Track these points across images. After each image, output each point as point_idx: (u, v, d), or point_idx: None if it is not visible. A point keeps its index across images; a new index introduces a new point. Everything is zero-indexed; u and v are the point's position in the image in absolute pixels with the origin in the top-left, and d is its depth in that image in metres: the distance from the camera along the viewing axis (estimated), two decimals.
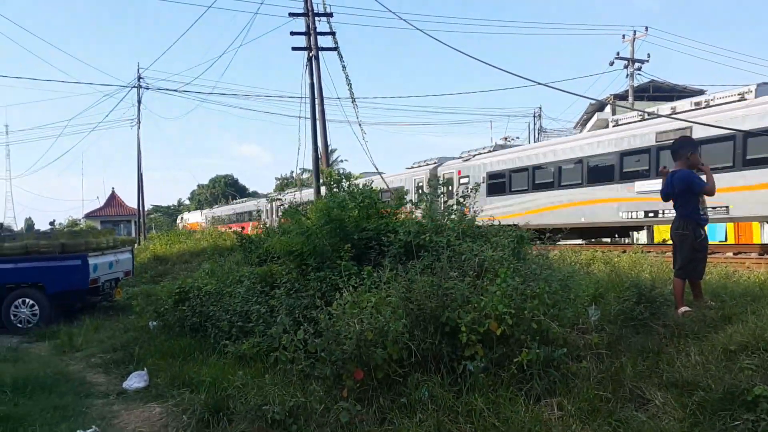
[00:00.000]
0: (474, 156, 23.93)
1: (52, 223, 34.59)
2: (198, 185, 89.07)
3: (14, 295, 10.78)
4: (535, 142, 30.67)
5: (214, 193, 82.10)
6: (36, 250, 11.05)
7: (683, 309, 5.61)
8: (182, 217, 66.81)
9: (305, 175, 40.49)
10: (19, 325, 10.65)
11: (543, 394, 4.45)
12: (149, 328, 8.79)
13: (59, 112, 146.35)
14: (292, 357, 5.18)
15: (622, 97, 30.52)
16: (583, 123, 37.30)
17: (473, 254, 5.88)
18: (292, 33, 19.70)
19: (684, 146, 6.09)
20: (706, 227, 6.03)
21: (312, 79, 19.30)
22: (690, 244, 5.88)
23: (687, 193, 5.84)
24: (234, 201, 56.38)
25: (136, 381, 6.41)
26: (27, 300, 10.79)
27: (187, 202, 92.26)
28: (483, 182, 21.87)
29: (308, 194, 26.49)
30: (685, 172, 5.90)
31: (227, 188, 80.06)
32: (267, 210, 43.69)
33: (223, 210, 53.80)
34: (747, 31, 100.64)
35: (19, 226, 62.13)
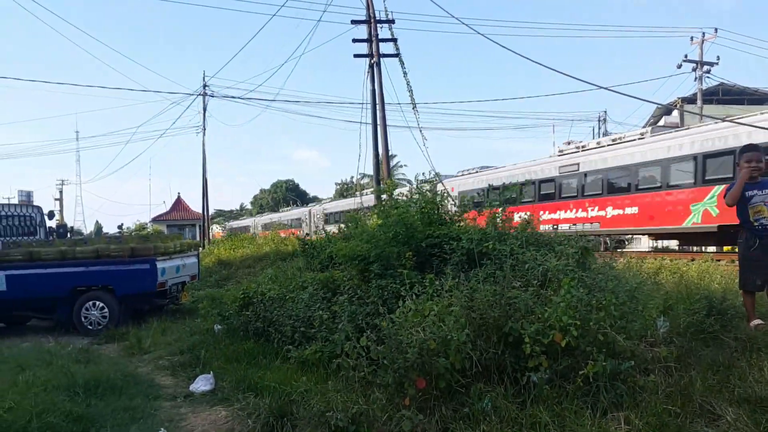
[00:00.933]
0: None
1: (120, 227, 36.30)
2: (260, 190, 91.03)
3: (85, 298, 11.26)
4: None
5: (276, 197, 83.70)
6: (106, 254, 11.52)
7: (756, 322, 5.39)
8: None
9: (365, 180, 40.77)
10: (90, 327, 11.11)
11: (609, 408, 4.35)
12: (214, 331, 8.99)
13: (128, 119, 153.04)
14: (355, 364, 5.25)
15: (691, 100, 29.47)
16: (650, 126, 36.16)
17: (537, 263, 5.81)
18: (354, 40, 19.94)
19: (739, 154, 5.91)
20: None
21: (373, 85, 19.48)
22: (741, 252, 5.79)
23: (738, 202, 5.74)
24: (284, 209, 57.44)
25: (202, 384, 6.58)
26: (97, 302, 11.23)
27: (249, 206, 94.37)
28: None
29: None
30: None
31: (288, 193, 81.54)
32: (306, 219, 44.32)
33: (262, 219, 55.14)
34: None
35: (88, 229, 65.05)
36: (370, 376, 5.17)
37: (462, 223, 8.24)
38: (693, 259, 11.76)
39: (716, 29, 28.79)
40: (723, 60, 29.27)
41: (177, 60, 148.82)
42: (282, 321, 7.61)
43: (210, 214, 52.11)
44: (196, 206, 50.88)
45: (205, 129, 37.66)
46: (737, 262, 6.08)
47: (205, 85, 36.16)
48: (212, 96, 35.98)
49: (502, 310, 5.05)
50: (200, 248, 20.36)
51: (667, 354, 4.86)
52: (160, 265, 11.49)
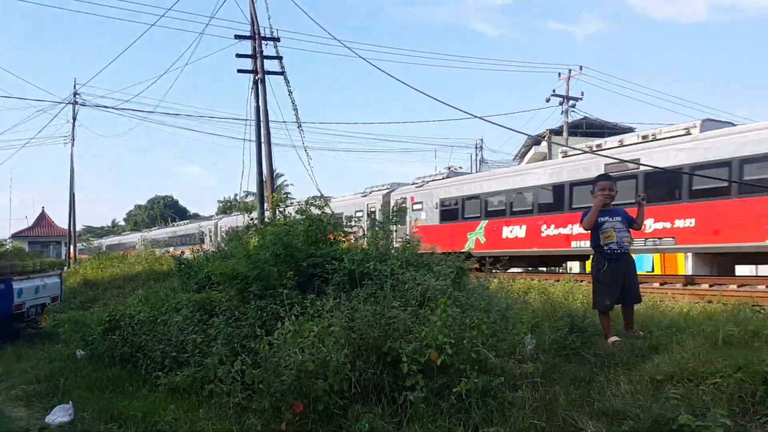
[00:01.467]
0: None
1: None
2: (135, 206, 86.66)
3: None
4: (477, 172, 31.43)
5: (152, 214, 79.95)
6: None
7: (613, 339, 5.81)
8: None
9: (249, 198, 39.90)
10: None
11: (480, 424, 4.49)
12: (76, 357, 8.47)
13: None
14: (229, 389, 5.07)
15: (558, 132, 31.78)
16: (521, 155, 38.53)
17: (416, 283, 5.94)
18: (238, 55, 19.61)
19: (594, 183, 6.43)
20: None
21: (258, 102, 19.21)
22: (593, 275, 6.24)
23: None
24: (174, 223, 54.89)
25: (60, 415, 6.09)
26: None
27: (123, 223, 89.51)
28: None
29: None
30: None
31: (167, 209, 78.14)
32: (210, 233, 42.70)
33: (157, 233, 52.30)
34: (674, 73, 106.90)
35: None
36: (245, 402, 5.01)
37: (345, 243, 8.28)
38: (558, 280, 12.57)
39: (581, 67, 31.39)
40: (587, 95, 32.13)
41: (45, 65, 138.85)
42: (152, 345, 7.24)
43: (78, 230, 48.73)
44: (62, 222, 47.38)
45: (74, 139, 35.33)
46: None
47: (75, 93, 33.96)
48: (83, 105, 33.87)
49: (381, 330, 5.10)
50: (64, 267, 18.96)
51: (533, 370, 5.10)
52: (16, 285, 10.62)
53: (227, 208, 58.86)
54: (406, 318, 5.14)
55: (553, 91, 31.08)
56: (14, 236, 48.06)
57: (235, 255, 7.99)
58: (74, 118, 34.99)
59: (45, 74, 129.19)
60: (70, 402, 6.34)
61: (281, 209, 9.20)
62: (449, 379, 4.80)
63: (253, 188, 21.32)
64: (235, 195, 62.67)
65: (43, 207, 64.97)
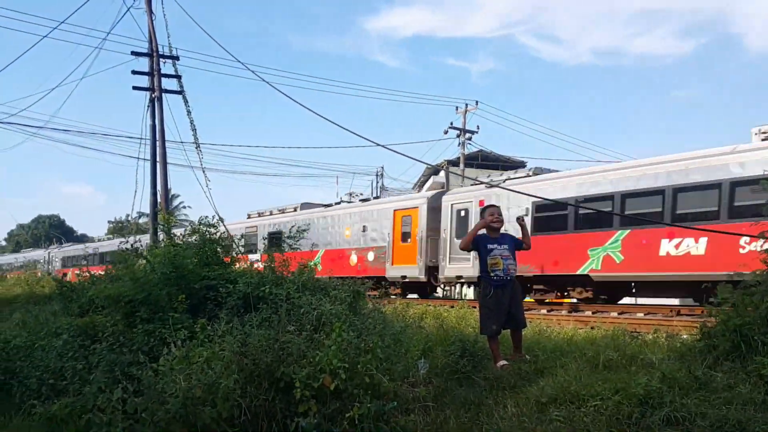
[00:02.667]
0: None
1: None
2: (18, 225, 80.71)
3: None
4: (377, 198, 31.95)
5: (36, 234, 74.72)
6: None
7: (501, 363, 6.02)
8: None
9: (142, 219, 38.20)
10: None
11: None
12: None
13: None
14: (109, 419, 4.78)
15: (455, 163, 32.95)
16: (420, 184, 39.51)
17: (312, 308, 5.91)
18: (134, 72, 18.98)
19: (481, 212, 6.76)
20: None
21: (153, 120, 18.61)
22: (480, 300, 6.49)
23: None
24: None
25: None
26: None
27: (4, 243, 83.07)
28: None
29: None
30: None
31: (52, 230, 73.23)
32: (45, 259, 40.50)
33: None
34: (563, 111, 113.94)
35: None
36: None
37: (240, 265, 8.11)
38: (453, 306, 12.89)
39: (477, 102, 32.80)
40: (482, 129, 33.48)
41: None
42: (28, 372, 6.73)
43: None
44: None
45: None
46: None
47: None
48: None
49: (275, 355, 5.00)
50: None
51: (426, 394, 5.20)
52: None
53: (118, 228, 55.97)
54: (300, 342, 5.09)
55: (451, 123, 32.27)
56: None
57: (122, 277, 7.60)
58: None
59: None
60: None
61: (174, 231, 8.87)
62: (342, 404, 4.77)
63: (147, 209, 20.47)
64: (128, 215, 59.78)
65: None
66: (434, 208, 19.82)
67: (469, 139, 32.31)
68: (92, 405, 4.86)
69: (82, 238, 62.93)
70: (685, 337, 7.27)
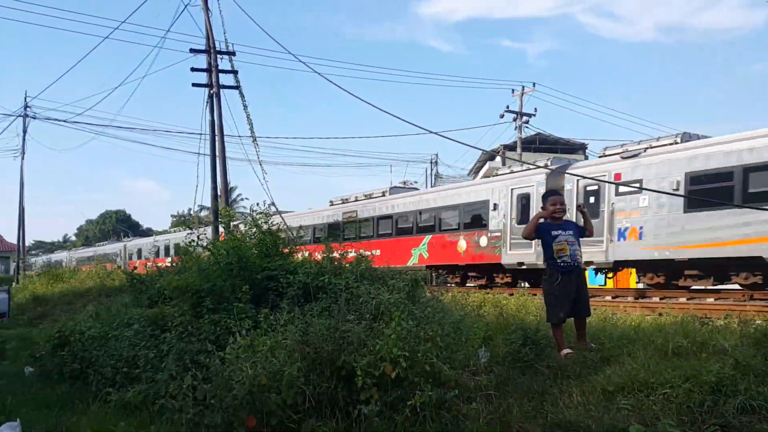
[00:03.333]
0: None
1: None
2: (87, 220, 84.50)
3: None
4: (432, 186, 31.81)
5: (104, 229, 78.01)
6: None
7: (565, 351, 5.92)
8: None
9: (203, 213, 39.34)
10: None
11: None
12: (24, 374, 8.21)
13: None
14: (180, 405, 4.97)
15: (512, 147, 32.36)
16: (476, 170, 39.09)
17: (370, 297, 5.95)
18: (193, 69, 19.43)
19: (544, 198, 6.62)
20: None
21: (212, 116, 19.06)
22: (546, 287, 6.38)
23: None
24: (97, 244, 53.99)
25: None
26: None
27: (74, 238, 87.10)
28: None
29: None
30: None
31: (119, 224, 76.30)
32: (120, 253, 42.16)
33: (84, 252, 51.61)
34: (624, 91, 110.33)
35: None
36: (197, 418, 4.90)
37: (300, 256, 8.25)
38: (512, 294, 12.74)
39: (534, 84, 32.00)
40: (540, 111, 32.63)
41: None
42: (103, 361, 7.07)
43: (29, 245, 47.17)
44: (11, 237, 45.73)
45: (24, 153, 34.32)
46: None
47: (26, 106, 33.03)
48: (34, 118, 32.97)
49: (336, 344, 5.08)
50: (12, 283, 18.33)
51: (487, 382, 5.16)
52: None
53: (180, 222, 57.84)
54: (360, 332, 5.14)
55: (507, 107, 31.58)
56: None
57: (189, 269, 7.86)
58: (24, 132, 34.08)
59: None
60: (18, 420, 6.12)
61: (235, 225, 9.11)
62: (404, 393, 4.80)
63: (208, 202, 21.04)
64: (189, 209, 61.69)
65: None
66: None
67: (527, 122, 31.59)
68: (164, 392, 5.06)
69: (148, 232, 65.23)
70: (759, 322, 6.97)
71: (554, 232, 6.22)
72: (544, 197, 6.62)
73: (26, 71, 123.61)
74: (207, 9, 19.15)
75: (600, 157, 16.94)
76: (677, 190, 13.74)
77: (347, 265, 7.32)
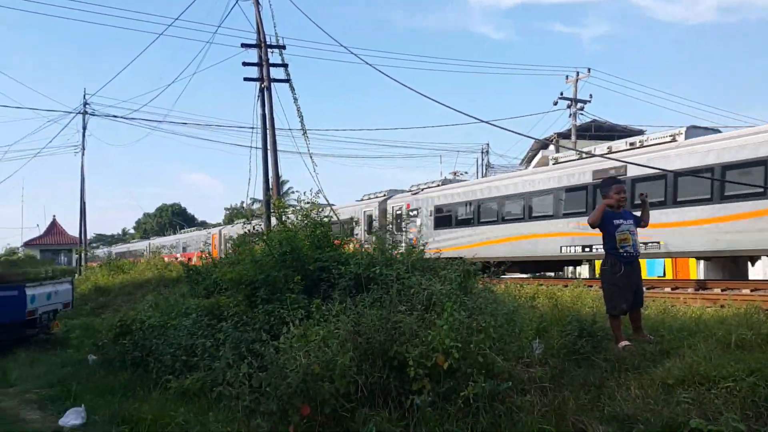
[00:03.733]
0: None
1: None
2: (144, 214, 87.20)
3: None
4: (483, 177, 31.35)
5: (161, 222, 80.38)
6: None
7: (623, 343, 5.78)
8: None
9: (256, 206, 40.08)
10: None
11: (488, 428, 4.47)
12: (88, 362, 8.54)
13: (0, 138, 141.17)
14: (237, 392, 5.08)
15: (565, 135, 31.57)
16: (528, 160, 38.38)
17: (422, 288, 5.93)
18: (245, 63, 19.75)
19: (602, 186, 6.43)
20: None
21: (264, 110, 19.33)
22: (607, 278, 6.18)
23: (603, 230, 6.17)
24: (181, 231, 55.38)
25: (72, 418, 6.15)
26: None
27: (133, 230, 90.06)
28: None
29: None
30: None
31: (175, 217, 78.45)
32: (204, 242, 43.10)
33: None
34: (683, 75, 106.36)
35: None
36: (253, 405, 5.01)
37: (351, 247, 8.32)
38: (566, 285, 12.49)
39: (589, 69, 31.03)
40: (595, 98, 31.52)
41: (56, 76, 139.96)
42: (162, 350, 7.30)
43: (89, 238, 49.08)
44: (73, 230, 47.73)
45: (84, 149, 35.64)
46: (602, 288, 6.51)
47: (85, 103, 34.26)
48: (93, 114, 34.13)
49: (387, 334, 5.10)
50: (75, 274, 19.12)
51: (542, 374, 5.09)
52: (29, 292, 10.70)
53: (233, 215, 59.06)
54: (412, 322, 5.14)
55: (561, 93, 30.74)
56: (26, 244, 48.50)
57: (243, 260, 8.02)
58: (84, 128, 35.33)
59: (55, 84, 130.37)
60: (83, 405, 6.40)
61: (286, 216, 9.25)
62: (456, 384, 4.78)
63: (260, 195, 21.40)
64: (242, 202, 62.91)
65: (54, 215, 65.54)
66: None
67: (581, 109, 30.70)
68: (221, 379, 5.19)
69: (203, 225, 66.88)
70: None
71: (616, 221, 6.06)
72: (606, 185, 6.42)
73: (84, 69, 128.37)
74: (257, 3, 19.42)
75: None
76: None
77: (398, 256, 7.32)
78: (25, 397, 7.50)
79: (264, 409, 4.86)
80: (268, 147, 19.34)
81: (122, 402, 6.43)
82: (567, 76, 31.12)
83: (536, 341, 5.90)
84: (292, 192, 56.28)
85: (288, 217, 9.08)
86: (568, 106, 30.79)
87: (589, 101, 30.89)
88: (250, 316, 6.93)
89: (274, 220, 13.77)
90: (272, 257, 7.31)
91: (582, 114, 30.93)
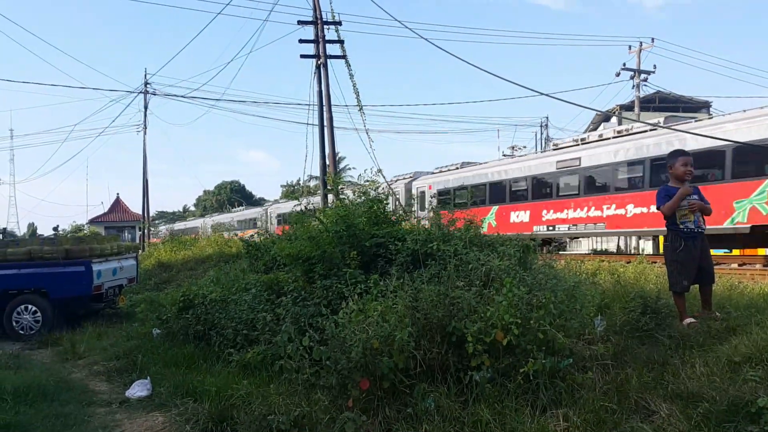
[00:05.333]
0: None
1: (55, 229, 34.74)
2: (204, 191, 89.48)
3: (17, 302, 10.78)
4: (542, 151, 30.77)
5: (220, 199, 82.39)
6: (39, 255, 11.05)
7: (688, 320, 5.60)
8: None
9: (312, 183, 40.52)
10: (21, 332, 10.65)
11: (549, 405, 4.43)
12: (152, 335, 8.80)
13: (65, 117, 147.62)
14: (297, 366, 5.19)
15: (629, 107, 30.59)
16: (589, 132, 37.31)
17: (480, 263, 5.88)
18: (301, 41, 19.87)
19: (668, 158, 6.13)
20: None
21: (320, 86, 19.43)
22: (668, 255, 5.96)
23: None
24: (235, 209, 56.58)
25: (138, 389, 6.39)
26: (30, 306, 10.78)
27: (193, 208, 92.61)
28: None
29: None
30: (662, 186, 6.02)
31: (233, 194, 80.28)
32: (262, 218, 43.87)
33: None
34: (753, 44, 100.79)
35: (22, 230, 62.31)
36: (313, 378, 5.12)
37: (406, 224, 8.28)
38: (629, 261, 12.16)
39: (653, 39, 29.95)
40: (659, 68, 30.53)
41: (117, 57, 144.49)
42: (224, 324, 7.46)
43: (152, 215, 50.82)
44: (136, 207, 49.51)
45: (146, 128, 36.73)
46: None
47: (146, 83, 35.23)
48: (154, 94, 35.15)
49: (445, 310, 5.08)
50: (139, 250, 19.79)
51: (604, 351, 4.99)
52: (96, 267, 11.12)
53: (290, 192, 59.94)
54: (470, 298, 5.10)
55: (624, 64, 29.83)
56: (91, 221, 50.72)
57: (300, 237, 8.11)
58: (146, 107, 36.38)
59: (117, 65, 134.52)
60: (148, 377, 6.63)
61: (342, 192, 9.29)
62: (516, 360, 4.74)
63: (316, 172, 21.57)
64: (298, 179, 63.69)
65: (117, 193, 68.11)
66: None
67: (645, 80, 29.67)
68: (283, 353, 5.29)
69: (261, 202, 68.13)
70: None
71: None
72: (673, 156, 6.09)
73: (145, 50, 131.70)
74: None
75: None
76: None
77: (456, 232, 7.25)
78: (93, 369, 7.78)
79: (324, 382, 4.96)
80: (325, 124, 19.46)
81: (186, 374, 6.59)
82: (630, 47, 30.11)
83: (598, 318, 5.78)
84: (349, 168, 56.80)
85: (345, 195, 9.11)
86: (631, 78, 29.83)
87: (653, 72, 29.90)
88: (308, 291, 7.02)
89: (330, 197, 13.87)
90: (328, 234, 7.36)
91: (645, 85, 29.95)
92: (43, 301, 10.80)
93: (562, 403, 4.43)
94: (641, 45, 29.74)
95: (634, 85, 29.86)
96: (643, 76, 29.67)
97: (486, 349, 4.75)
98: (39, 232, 60.34)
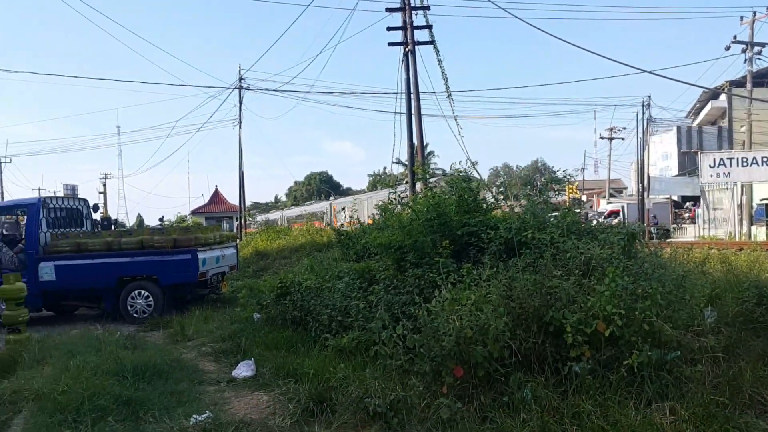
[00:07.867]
0: None
1: (161, 219, 36.79)
2: (294, 182, 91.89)
3: (131, 287, 11.54)
4: (643, 132, 29.13)
5: (310, 189, 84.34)
6: (150, 244, 11.76)
7: None
8: None
9: (396, 170, 40.64)
10: (135, 315, 11.38)
11: (654, 398, 4.25)
12: (253, 320, 9.13)
13: (168, 114, 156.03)
14: (392, 352, 5.25)
15: (740, 83, 28.37)
16: (695, 112, 35.06)
17: (579, 252, 5.69)
18: (389, 28, 19.72)
19: None
20: None
21: (408, 74, 19.27)
22: None
23: None
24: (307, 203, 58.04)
25: (244, 370, 6.68)
26: (142, 291, 11.51)
27: (284, 198, 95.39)
28: None
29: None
30: None
31: (322, 185, 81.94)
32: (327, 212, 44.64)
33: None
34: None
35: (131, 221, 66.51)
36: (407, 365, 5.15)
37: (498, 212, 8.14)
38: (741, 249, 11.37)
39: None
40: None
41: (214, 54, 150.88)
42: (319, 310, 7.66)
43: (246, 206, 52.90)
44: (232, 199, 51.66)
45: (241, 122, 38.00)
46: None
47: (240, 78, 36.43)
48: (248, 89, 36.18)
49: (542, 300, 4.97)
50: (238, 240, 20.62)
51: (714, 344, 4.73)
52: (201, 255, 11.68)
53: (377, 181, 60.49)
54: (569, 287, 4.96)
55: (734, 37, 27.50)
56: (193, 212, 53.43)
57: (390, 226, 8.16)
58: (240, 102, 37.52)
59: (212, 62, 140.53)
60: (252, 359, 6.92)
61: (430, 181, 9.23)
62: (618, 352, 4.58)
63: (403, 156, 21.54)
64: (384, 168, 64.10)
65: (216, 185, 71.29)
66: None
67: (759, 53, 27.35)
68: (377, 339, 5.36)
69: (348, 192, 69.21)
70: None
71: None
72: None
73: (238, 46, 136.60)
74: None
75: None
76: None
77: (552, 219, 7.05)
78: (201, 350, 8.20)
79: (418, 369, 4.98)
80: (413, 112, 19.29)
81: (286, 357, 6.83)
82: (742, 17, 27.82)
83: (708, 309, 5.47)
84: (433, 156, 56.58)
85: (434, 183, 9.07)
86: (743, 51, 27.55)
87: None
88: (400, 279, 7.06)
89: (418, 186, 13.85)
90: (419, 222, 7.36)
91: (759, 59, 27.52)
92: (154, 286, 11.50)
93: (669, 397, 4.25)
94: (755, 15, 27.38)
95: (746, 59, 27.56)
96: (756, 49, 27.33)
97: (586, 340, 4.61)
98: (146, 222, 64.29)
